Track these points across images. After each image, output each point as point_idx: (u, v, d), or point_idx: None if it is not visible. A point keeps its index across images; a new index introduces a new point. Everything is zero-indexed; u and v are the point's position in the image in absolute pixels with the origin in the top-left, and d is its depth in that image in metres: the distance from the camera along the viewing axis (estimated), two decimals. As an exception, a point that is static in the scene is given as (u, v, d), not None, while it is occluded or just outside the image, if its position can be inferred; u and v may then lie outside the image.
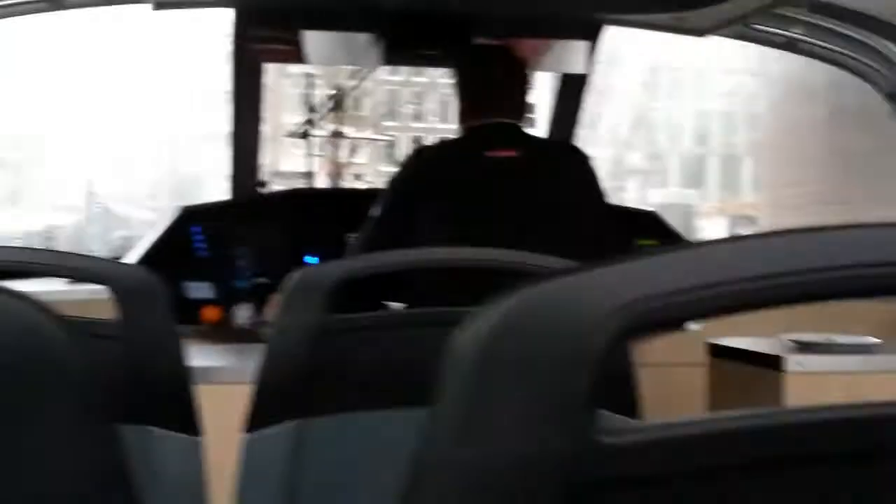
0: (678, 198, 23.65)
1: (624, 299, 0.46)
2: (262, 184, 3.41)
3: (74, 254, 1.77)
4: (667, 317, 0.46)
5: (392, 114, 25.61)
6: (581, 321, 0.46)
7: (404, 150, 24.52)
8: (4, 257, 1.66)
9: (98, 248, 11.91)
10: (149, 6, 3.06)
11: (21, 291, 0.62)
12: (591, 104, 3.72)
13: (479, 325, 0.49)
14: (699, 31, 3.22)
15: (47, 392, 0.61)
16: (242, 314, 3.00)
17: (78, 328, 0.64)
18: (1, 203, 12.74)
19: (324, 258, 3.19)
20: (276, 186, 3.58)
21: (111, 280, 1.54)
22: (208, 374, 2.16)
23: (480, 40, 3.14)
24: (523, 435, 0.46)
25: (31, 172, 13.61)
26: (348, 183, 21.10)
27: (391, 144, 24.67)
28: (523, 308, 0.48)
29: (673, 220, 3.56)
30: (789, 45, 3.27)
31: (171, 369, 1.49)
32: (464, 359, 0.49)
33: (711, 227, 21.06)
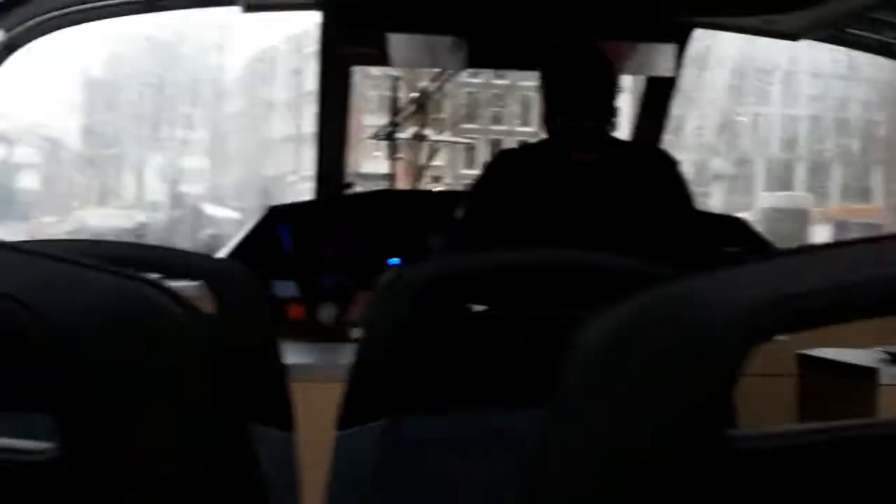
0: (789, 202, 23.05)
1: (758, 301, 0.46)
2: (348, 185, 3.45)
3: (173, 249, 1.82)
4: (802, 317, 0.46)
5: (472, 116, 25.57)
6: (716, 322, 0.47)
7: (484, 152, 24.51)
8: (102, 251, 1.72)
9: (187, 246, 12.16)
10: (238, 8, 3.13)
11: (156, 280, 0.65)
12: (677, 108, 3.68)
13: (608, 326, 0.50)
14: (790, 35, 3.17)
15: (182, 374, 0.63)
16: (326, 312, 3.04)
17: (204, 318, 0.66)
18: (92, 201, 13.11)
19: (407, 259, 3.22)
20: (358, 188, 3.63)
21: (209, 275, 1.57)
22: (302, 371, 2.20)
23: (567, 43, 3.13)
24: (658, 433, 0.47)
25: (119, 171, 13.98)
26: (427, 185, 21.20)
27: (471, 147, 24.65)
28: (655, 310, 0.48)
29: (785, 225, 3.51)
30: (884, 49, 3.19)
31: (268, 365, 1.51)
32: (594, 359, 0.50)
33: (823, 232, 20.52)
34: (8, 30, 3.08)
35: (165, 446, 0.63)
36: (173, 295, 0.64)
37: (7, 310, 0.61)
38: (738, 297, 0.47)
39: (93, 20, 3.23)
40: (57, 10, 3.09)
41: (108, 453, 0.63)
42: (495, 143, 24.89)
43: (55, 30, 3.19)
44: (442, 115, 22.02)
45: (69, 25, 3.19)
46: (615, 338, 0.49)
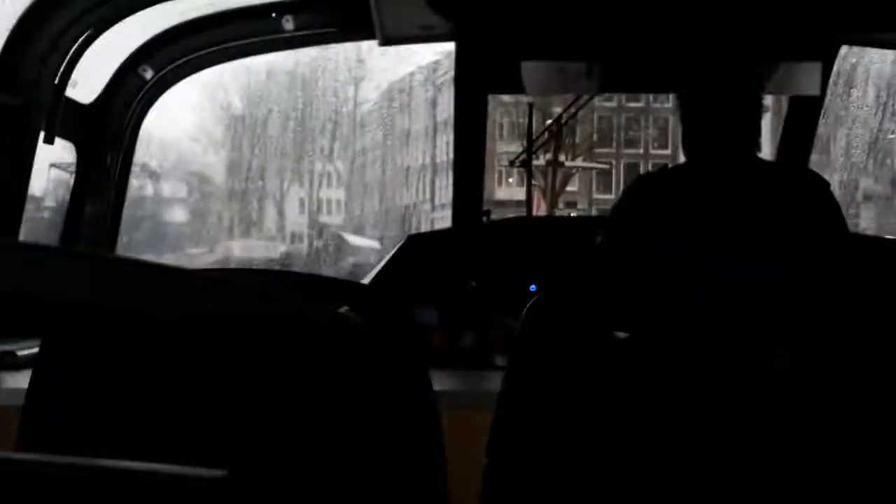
0: None
1: None
2: (486, 213, 3.47)
3: (322, 276, 1.88)
4: None
5: (605, 140, 25.40)
6: None
7: (618, 176, 24.26)
8: (264, 280, 1.81)
9: (332, 274, 12.48)
10: (375, 42, 3.21)
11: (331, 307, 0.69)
12: (824, 126, 3.57)
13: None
14: (943, 48, 3.05)
15: (366, 397, 0.64)
16: (468, 340, 3.06)
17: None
18: (236, 233, 13.63)
19: (546, 286, 3.22)
20: (494, 216, 3.65)
21: (357, 302, 1.60)
22: (450, 398, 2.21)
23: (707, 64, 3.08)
24: None
25: (261, 203, 14.48)
26: (562, 210, 21.12)
27: (606, 172, 24.47)
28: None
29: None
30: None
31: (417, 391, 1.53)
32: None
33: None
34: (156, 70, 3.24)
35: (348, 472, 0.63)
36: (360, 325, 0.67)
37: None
38: None
39: (235, 58, 3.36)
40: (202, 49, 3.23)
41: (281, 479, 0.64)
42: (630, 167, 24.63)
43: (200, 69, 3.34)
44: (575, 140, 21.97)
45: (213, 64, 3.32)
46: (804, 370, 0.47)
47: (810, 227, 2.47)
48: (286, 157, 13.51)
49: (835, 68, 3.26)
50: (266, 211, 14.42)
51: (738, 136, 2.55)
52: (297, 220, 15.63)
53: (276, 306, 0.66)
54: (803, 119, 3.37)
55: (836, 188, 2.63)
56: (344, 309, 2.39)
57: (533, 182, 3.79)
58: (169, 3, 2.93)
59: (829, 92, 3.35)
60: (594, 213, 23.90)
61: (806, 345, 1.46)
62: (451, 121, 3.39)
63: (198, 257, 12.48)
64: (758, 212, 2.46)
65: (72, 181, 3.25)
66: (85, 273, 0.66)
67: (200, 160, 13.89)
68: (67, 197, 3.25)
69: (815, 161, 3.58)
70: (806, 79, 3.22)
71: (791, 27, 3.06)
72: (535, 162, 3.75)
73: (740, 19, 3.01)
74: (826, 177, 2.60)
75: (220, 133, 14.01)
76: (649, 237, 2.49)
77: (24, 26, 2.77)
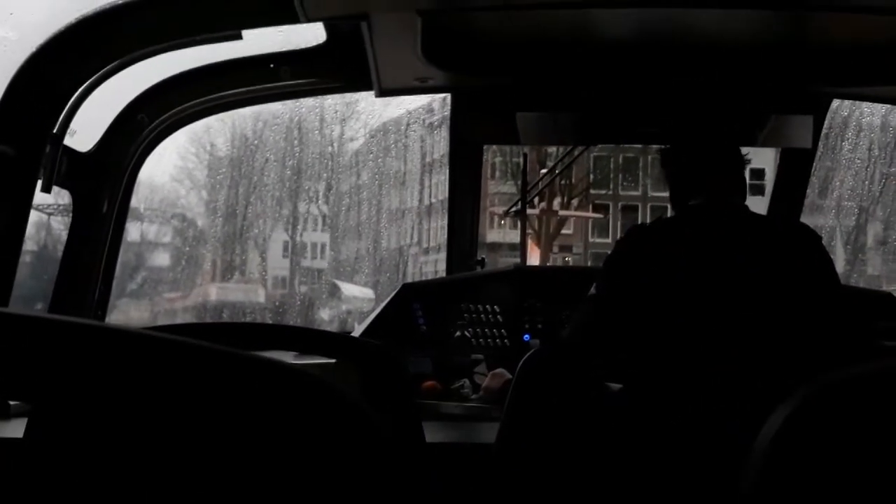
0: None
1: None
2: (480, 262, 3.66)
3: (315, 330, 1.98)
4: None
5: (602, 181, 25.52)
6: None
7: (615, 220, 24.41)
8: (248, 332, 1.90)
9: (327, 322, 12.57)
10: (372, 95, 3.41)
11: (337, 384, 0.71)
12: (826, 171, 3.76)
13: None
14: (932, 103, 3.26)
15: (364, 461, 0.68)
16: (461, 389, 3.22)
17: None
18: (215, 277, 13.74)
19: (540, 336, 3.39)
20: (486, 258, 3.82)
21: (353, 354, 1.72)
22: (444, 451, 2.30)
23: (696, 116, 3.28)
24: None
25: (243, 247, 14.62)
26: (557, 254, 21.27)
27: (601, 220, 24.56)
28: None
29: None
30: None
31: (412, 444, 1.63)
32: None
33: None
34: (154, 119, 3.42)
35: None
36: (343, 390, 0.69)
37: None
38: None
39: (233, 108, 3.55)
40: (199, 98, 3.42)
41: None
42: (628, 210, 24.73)
43: (198, 118, 3.53)
44: (571, 181, 22.08)
45: (211, 114, 3.52)
46: (794, 431, 0.55)
47: (801, 278, 2.58)
48: (268, 199, 13.69)
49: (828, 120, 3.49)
50: (247, 254, 14.56)
51: (726, 189, 2.70)
52: (278, 264, 15.77)
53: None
54: (795, 171, 3.58)
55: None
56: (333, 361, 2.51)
57: (528, 231, 3.96)
58: (168, 53, 3.12)
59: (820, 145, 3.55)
60: (590, 256, 23.97)
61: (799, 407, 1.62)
62: (440, 161, 3.58)
63: (172, 301, 12.59)
64: (751, 265, 2.56)
65: (49, 222, 3.37)
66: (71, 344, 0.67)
67: (182, 202, 14.06)
68: (47, 238, 3.38)
69: (816, 205, 3.76)
70: (798, 131, 3.42)
71: (783, 81, 3.26)
72: (528, 210, 3.94)
73: (732, 73, 3.20)
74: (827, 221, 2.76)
75: (203, 176, 14.21)
76: (640, 289, 2.61)
77: (23, 77, 2.94)
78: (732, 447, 1.58)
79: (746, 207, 2.71)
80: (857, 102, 3.67)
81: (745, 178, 2.78)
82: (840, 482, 0.57)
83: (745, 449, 0.70)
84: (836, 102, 3.48)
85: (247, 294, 14.10)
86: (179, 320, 12.35)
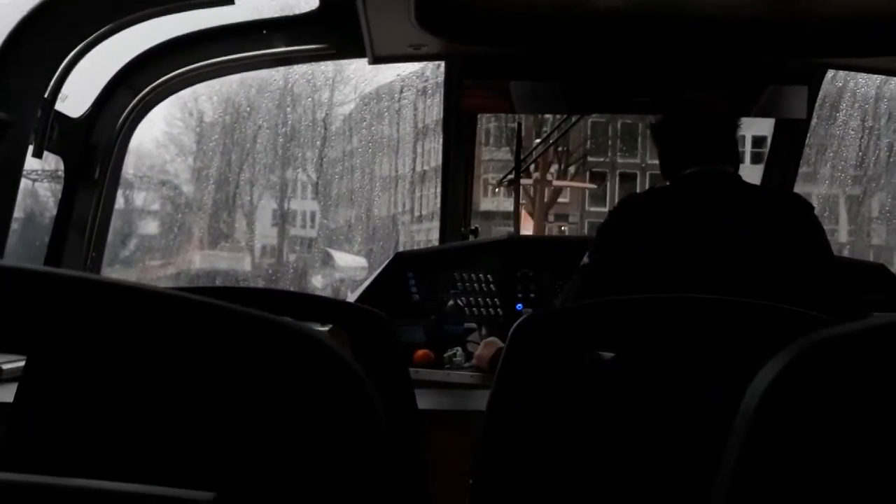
0: None
1: None
2: (474, 231, 3.75)
3: (310, 294, 2.01)
4: None
5: (600, 148, 25.51)
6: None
7: (613, 188, 24.45)
8: (240, 297, 1.97)
9: (320, 290, 12.66)
10: (365, 62, 3.48)
11: (310, 328, 0.73)
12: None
13: (773, 376, 0.56)
14: (926, 74, 3.33)
15: (355, 420, 0.69)
16: (453, 358, 3.31)
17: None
18: (201, 245, 13.82)
19: (533, 305, 3.49)
20: (480, 227, 3.89)
21: (346, 320, 1.78)
22: (434, 418, 2.34)
23: (691, 87, 3.36)
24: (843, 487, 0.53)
25: (231, 214, 14.69)
26: (552, 223, 21.34)
27: (597, 190, 24.57)
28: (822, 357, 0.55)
29: None
30: None
31: (404, 410, 1.68)
32: (764, 408, 0.56)
33: None
34: (146, 85, 3.49)
35: (335, 494, 0.69)
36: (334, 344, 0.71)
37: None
38: None
39: (225, 75, 3.62)
40: (192, 65, 3.49)
41: (269, 500, 0.70)
42: (626, 178, 24.76)
43: (186, 87, 3.59)
44: (568, 148, 22.08)
45: (203, 80, 3.58)
46: (782, 390, 0.56)
47: (792, 247, 2.66)
48: (258, 166, 13.74)
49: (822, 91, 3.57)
50: (235, 222, 14.62)
51: (719, 159, 2.77)
52: (267, 232, 15.84)
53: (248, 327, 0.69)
54: (790, 142, 3.66)
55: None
56: (328, 327, 2.58)
57: (522, 202, 4.05)
58: (161, 18, 3.18)
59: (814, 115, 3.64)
60: (586, 225, 24.00)
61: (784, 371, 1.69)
62: (432, 128, 3.66)
63: (154, 269, 12.68)
64: (744, 235, 2.63)
65: (35, 188, 3.42)
66: (70, 294, 0.69)
67: (170, 169, 14.11)
68: (33, 204, 3.43)
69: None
70: (792, 102, 3.50)
71: (777, 51, 3.33)
72: (522, 181, 4.02)
73: (727, 43, 3.27)
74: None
75: (191, 142, 14.24)
76: (632, 260, 2.70)
77: (14, 41, 2.99)
78: (718, 413, 1.71)
79: (739, 177, 2.78)
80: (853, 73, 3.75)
81: (738, 148, 2.84)
82: (827, 446, 0.57)
83: (731, 414, 0.70)
84: (830, 73, 3.57)
85: (239, 262, 14.20)
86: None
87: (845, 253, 16.16)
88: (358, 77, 13.56)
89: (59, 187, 3.56)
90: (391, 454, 0.74)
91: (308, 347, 0.69)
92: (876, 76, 3.78)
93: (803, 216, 2.74)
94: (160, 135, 13.95)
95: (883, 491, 0.56)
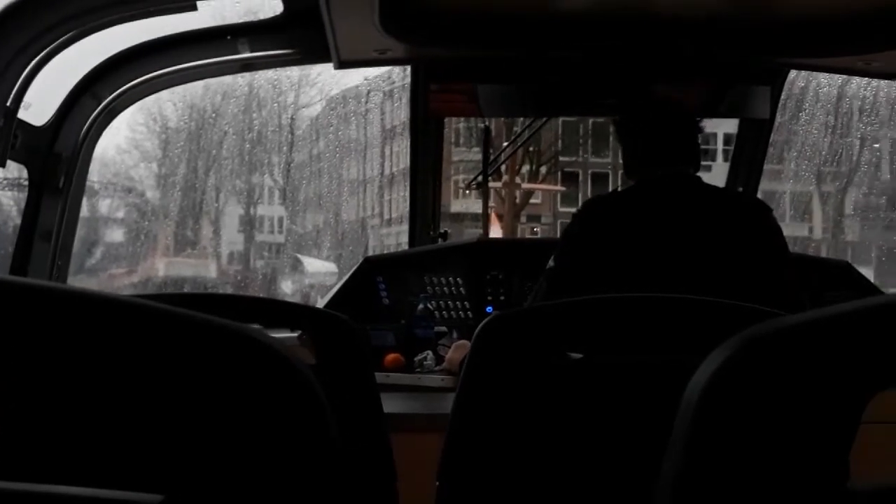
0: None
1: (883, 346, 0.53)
2: (443, 235, 3.81)
3: (275, 300, 2.03)
4: None
5: (572, 147, 25.57)
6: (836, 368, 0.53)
7: (585, 188, 24.54)
8: (208, 304, 2.00)
9: (290, 296, 12.65)
10: (330, 66, 3.53)
11: (263, 333, 0.73)
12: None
13: (713, 371, 0.57)
14: (889, 75, 3.42)
15: (305, 423, 0.70)
16: (423, 361, 3.37)
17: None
18: (165, 251, 13.80)
19: (503, 308, 3.55)
20: (450, 230, 3.95)
21: (313, 326, 1.82)
22: (402, 422, 2.40)
23: (655, 88, 3.43)
24: (774, 485, 0.53)
25: (196, 220, 14.67)
26: (524, 225, 21.43)
27: (568, 188, 24.62)
28: (762, 353, 0.55)
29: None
30: None
31: (369, 415, 1.71)
32: (703, 405, 0.57)
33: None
34: (110, 92, 3.53)
35: (287, 495, 0.69)
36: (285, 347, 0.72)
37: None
38: (858, 340, 0.53)
39: (190, 81, 3.67)
40: (156, 71, 3.53)
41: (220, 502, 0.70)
42: (598, 178, 24.84)
43: (150, 93, 3.63)
44: (539, 148, 22.13)
45: (169, 86, 3.63)
46: (722, 384, 0.56)
47: (750, 249, 2.76)
48: (222, 171, 13.75)
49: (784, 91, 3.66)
50: (201, 228, 14.61)
51: (681, 161, 2.85)
52: (233, 238, 15.83)
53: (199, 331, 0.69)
54: (754, 141, 3.75)
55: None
56: (297, 333, 2.60)
57: (491, 205, 4.10)
58: (124, 25, 3.22)
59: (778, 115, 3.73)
60: (558, 226, 24.07)
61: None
62: (400, 130, 3.71)
63: (117, 278, 12.64)
64: (703, 238, 2.74)
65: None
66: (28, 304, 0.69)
67: (134, 175, 14.09)
68: None
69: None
70: (756, 102, 3.59)
71: (740, 52, 3.41)
72: (491, 184, 4.08)
73: (690, 44, 3.35)
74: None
75: (154, 148, 14.23)
76: (596, 262, 2.77)
77: (-24, 49, 3.02)
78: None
79: (699, 179, 2.87)
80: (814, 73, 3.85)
81: (699, 149, 2.92)
82: (768, 440, 0.57)
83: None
84: (793, 73, 3.65)
85: (207, 269, 14.19)
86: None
87: (823, 250, 16.32)
88: (324, 80, 13.61)
89: (21, 195, 3.58)
90: (347, 457, 0.75)
91: (249, 348, 0.69)
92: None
93: (761, 218, 2.84)
94: (123, 141, 13.94)
95: (822, 485, 0.56)
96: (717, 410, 0.56)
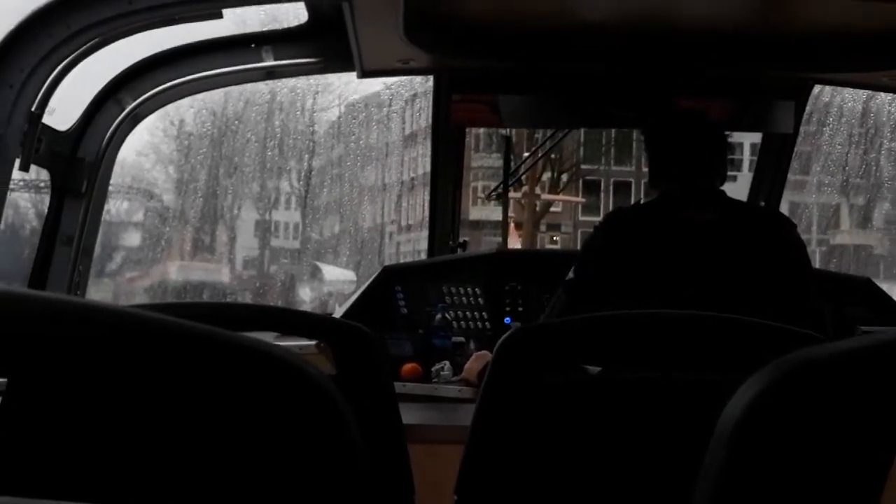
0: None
1: None
2: (462, 245, 3.86)
3: (294, 310, 2.06)
4: None
5: (594, 155, 25.51)
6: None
7: (607, 198, 24.52)
8: (228, 314, 2.04)
9: (308, 303, 12.69)
10: (353, 74, 3.59)
11: (287, 350, 0.74)
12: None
13: (752, 395, 0.57)
14: (913, 90, 3.45)
15: (324, 434, 0.70)
16: (441, 372, 3.41)
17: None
18: (179, 256, 13.89)
19: (521, 319, 3.60)
20: (468, 237, 3.98)
21: (332, 335, 1.82)
22: (417, 432, 2.37)
23: (679, 101, 3.48)
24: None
25: (212, 225, 14.76)
26: (545, 232, 21.46)
27: (588, 199, 24.58)
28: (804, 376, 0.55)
29: None
30: None
31: (388, 427, 1.72)
32: (741, 428, 0.57)
33: None
34: (134, 99, 3.60)
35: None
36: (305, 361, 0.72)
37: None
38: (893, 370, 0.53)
39: (213, 88, 3.73)
40: (180, 79, 3.59)
41: None
42: (621, 187, 24.80)
43: (174, 100, 3.70)
44: (561, 155, 22.12)
45: (192, 94, 3.69)
46: (757, 415, 0.56)
47: (771, 264, 2.79)
48: (239, 176, 13.83)
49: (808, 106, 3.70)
50: (216, 233, 14.70)
51: (705, 174, 2.87)
52: (248, 243, 15.91)
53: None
54: (777, 155, 3.78)
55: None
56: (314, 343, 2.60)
57: (511, 215, 4.15)
58: (149, 32, 3.29)
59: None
60: (579, 235, 24.03)
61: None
62: (418, 134, 3.76)
63: (131, 282, 12.73)
64: (725, 252, 2.77)
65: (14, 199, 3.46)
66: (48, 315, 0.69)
67: (150, 178, 14.20)
68: (13, 215, 3.47)
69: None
70: (779, 116, 3.62)
71: (765, 66, 3.45)
72: (511, 194, 4.13)
73: (715, 58, 3.39)
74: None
75: (172, 152, 14.32)
76: (617, 274, 2.81)
77: (2, 52, 3.08)
78: (703, 430, 1.79)
79: (723, 192, 2.89)
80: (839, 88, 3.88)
81: (725, 162, 2.95)
82: (804, 468, 0.57)
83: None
84: (817, 88, 3.69)
85: (210, 273, 14.24)
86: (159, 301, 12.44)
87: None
88: (343, 85, 13.68)
89: (38, 197, 3.64)
90: (369, 471, 0.75)
91: (272, 366, 0.70)
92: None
93: (783, 233, 2.86)
94: (142, 145, 14.04)
95: None
96: (752, 441, 0.56)
